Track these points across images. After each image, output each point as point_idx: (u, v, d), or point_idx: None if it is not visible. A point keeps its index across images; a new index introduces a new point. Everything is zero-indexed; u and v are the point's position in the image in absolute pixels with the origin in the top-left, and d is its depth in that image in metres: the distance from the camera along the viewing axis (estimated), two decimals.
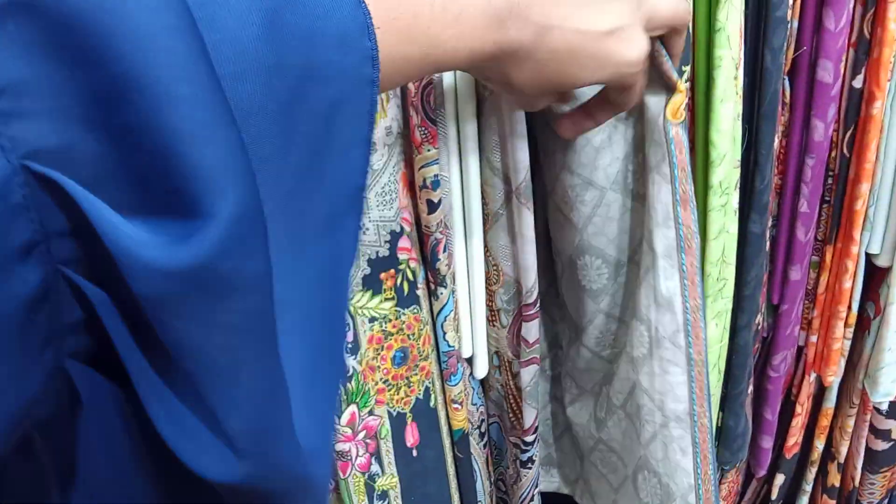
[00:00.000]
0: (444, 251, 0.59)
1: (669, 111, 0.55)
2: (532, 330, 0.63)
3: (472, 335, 0.67)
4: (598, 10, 0.45)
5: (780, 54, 0.67)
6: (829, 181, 0.80)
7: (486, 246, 0.63)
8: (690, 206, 0.59)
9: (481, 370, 0.68)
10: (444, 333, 0.62)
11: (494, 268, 0.64)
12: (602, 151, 0.60)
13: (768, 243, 0.80)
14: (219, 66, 0.29)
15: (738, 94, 0.64)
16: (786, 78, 0.73)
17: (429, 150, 0.55)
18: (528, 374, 0.65)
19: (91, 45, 0.26)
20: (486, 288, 0.65)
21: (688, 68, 0.63)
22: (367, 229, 0.55)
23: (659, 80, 0.55)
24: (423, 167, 0.56)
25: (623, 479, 0.74)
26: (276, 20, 0.31)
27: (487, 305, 0.67)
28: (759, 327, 0.88)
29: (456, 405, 0.66)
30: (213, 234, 0.28)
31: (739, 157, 0.68)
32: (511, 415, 0.70)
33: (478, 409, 0.71)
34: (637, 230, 0.63)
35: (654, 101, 0.56)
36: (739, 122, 0.66)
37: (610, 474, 0.76)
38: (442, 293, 0.60)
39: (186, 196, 0.27)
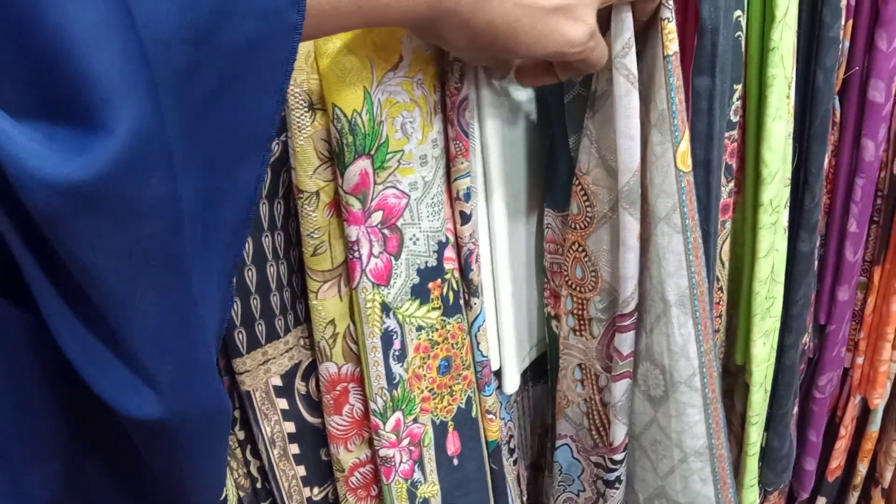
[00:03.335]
0: (476, 262, 0.60)
1: (679, 160, 0.55)
2: (626, 342, 0.61)
3: (499, 348, 0.66)
4: None
5: (831, 74, 0.67)
6: (878, 201, 0.80)
7: (585, 249, 0.63)
8: (700, 252, 0.59)
9: (510, 385, 0.67)
10: (478, 343, 0.62)
11: (592, 273, 0.63)
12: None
13: (816, 263, 0.79)
14: None
15: (790, 113, 0.64)
16: (836, 97, 0.73)
17: (462, 163, 0.56)
18: (620, 389, 0.64)
19: None
20: (580, 296, 0.65)
21: (739, 87, 0.63)
22: (418, 239, 0.56)
23: (663, 125, 0.54)
24: (456, 179, 0.57)
25: None
26: None
27: (577, 315, 0.66)
28: (806, 347, 0.87)
29: (490, 416, 0.66)
30: (110, 150, 0.26)
31: (790, 176, 0.69)
32: (595, 432, 0.69)
33: (505, 425, 0.71)
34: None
35: (660, 149, 0.55)
36: (790, 141, 0.66)
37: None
38: (475, 303, 0.61)
39: (80, 104, 0.26)
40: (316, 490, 0.63)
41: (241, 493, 0.61)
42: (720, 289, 0.73)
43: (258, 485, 0.62)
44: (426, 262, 0.56)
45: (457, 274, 0.59)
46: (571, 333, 0.67)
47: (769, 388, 0.81)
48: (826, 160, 0.73)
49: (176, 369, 0.31)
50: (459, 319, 0.60)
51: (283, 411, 0.59)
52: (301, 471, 0.62)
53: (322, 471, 0.63)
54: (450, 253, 0.58)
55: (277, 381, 0.58)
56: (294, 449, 0.60)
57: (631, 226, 0.57)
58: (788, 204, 0.70)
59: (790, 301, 0.76)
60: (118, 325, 0.29)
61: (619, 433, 0.66)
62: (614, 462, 0.68)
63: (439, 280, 0.58)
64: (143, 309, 0.30)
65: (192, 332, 0.32)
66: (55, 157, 0.25)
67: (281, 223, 0.55)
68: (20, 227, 0.27)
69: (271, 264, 0.54)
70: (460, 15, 0.42)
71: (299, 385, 0.59)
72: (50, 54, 0.25)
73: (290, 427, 0.59)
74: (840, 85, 0.73)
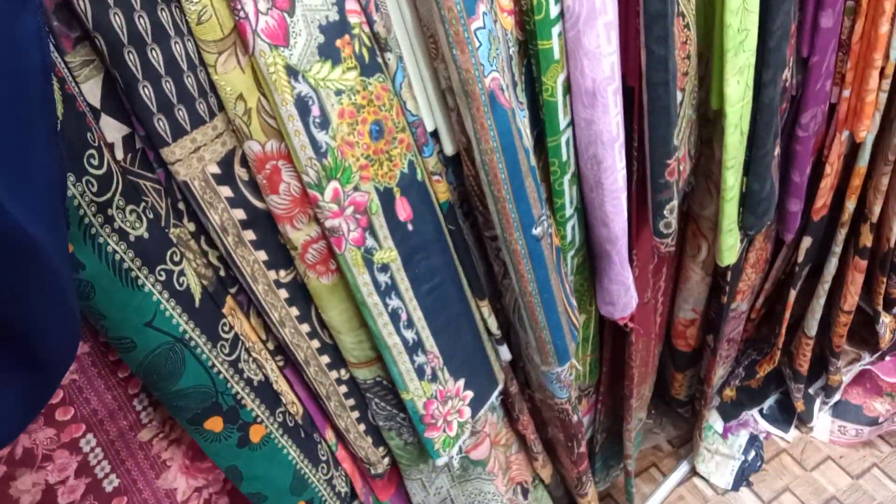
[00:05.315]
0: (378, 11, 0.54)
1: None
2: None
3: (429, 108, 0.63)
4: None
5: None
6: None
7: (420, 20, 0.58)
8: (469, 48, 0.54)
9: (449, 145, 0.65)
10: (405, 102, 0.59)
11: (431, 39, 0.59)
12: None
13: None
14: None
15: None
16: None
17: None
18: None
19: None
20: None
21: None
22: None
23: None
24: None
25: None
26: None
27: None
28: (787, 84, 0.83)
29: (437, 177, 0.64)
30: None
31: None
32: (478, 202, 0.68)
33: (454, 189, 0.69)
34: None
35: None
36: None
37: None
38: (390, 59, 0.56)
39: None
40: (283, 272, 0.63)
41: (205, 282, 0.61)
42: (686, 26, 0.67)
43: (221, 273, 0.62)
44: (327, 17, 0.51)
45: (366, 28, 0.54)
46: None
47: (745, 129, 0.77)
48: None
49: None
50: (381, 79, 0.56)
51: (228, 199, 0.57)
52: (262, 255, 0.61)
53: (286, 254, 0.62)
54: (352, 5, 0.53)
55: (215, 169, 0.55)
56: (249, 235, 0.59)
57: None
58: None
59: (767, 33, 0.71)
60: None
61: None
62: None
63: (347, 36, 0.53)
64: None
65: None
66: None
67: None
68: None
69: (175, 41, 0.49)
70: None
71: (240, 171, 0.56)
72: None
73: (239, 214, 0.58)
74: None
